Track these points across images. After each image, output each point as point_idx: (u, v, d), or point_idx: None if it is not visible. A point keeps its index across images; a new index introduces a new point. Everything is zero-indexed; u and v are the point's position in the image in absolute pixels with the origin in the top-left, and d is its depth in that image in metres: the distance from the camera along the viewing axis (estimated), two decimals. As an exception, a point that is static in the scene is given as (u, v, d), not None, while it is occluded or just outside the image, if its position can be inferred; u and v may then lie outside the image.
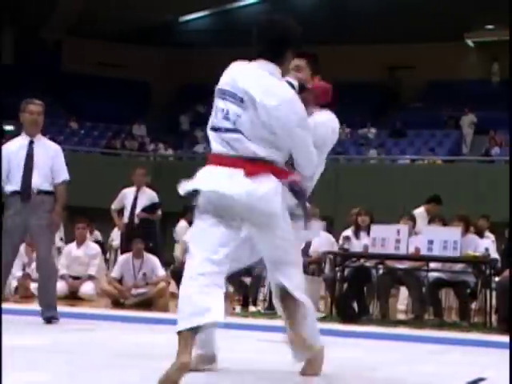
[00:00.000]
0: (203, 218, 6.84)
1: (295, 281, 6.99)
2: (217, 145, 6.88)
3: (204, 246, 6.70)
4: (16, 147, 10.85)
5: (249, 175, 6.69)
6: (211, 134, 6.97)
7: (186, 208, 16.97)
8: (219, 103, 7.02)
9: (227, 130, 6.84)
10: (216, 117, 6.98)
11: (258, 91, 6.70)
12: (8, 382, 5.79)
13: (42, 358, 7.43)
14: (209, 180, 6.74)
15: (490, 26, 39.50)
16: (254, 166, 6.71)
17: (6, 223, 10.53)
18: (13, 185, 10.65)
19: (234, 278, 14.58)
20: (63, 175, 10.90)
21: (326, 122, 8.50)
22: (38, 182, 10.50)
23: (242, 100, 6.92)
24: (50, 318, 10.67)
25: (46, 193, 10.62)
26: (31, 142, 10.62)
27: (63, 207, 11.37)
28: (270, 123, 6.72)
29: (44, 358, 7.47)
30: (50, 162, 10.76)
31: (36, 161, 10.63)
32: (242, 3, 43.98)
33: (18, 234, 10.70)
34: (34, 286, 16.44)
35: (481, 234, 15.68)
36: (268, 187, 6.63)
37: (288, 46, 7.13)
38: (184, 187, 6.71)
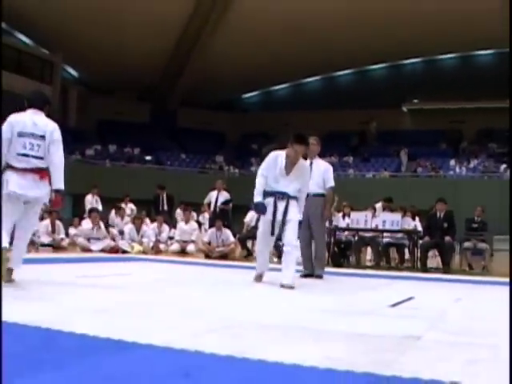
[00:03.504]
0: None
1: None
2: None
3: None
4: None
5: None
6: None
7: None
8: None
9: None
10: None
11: None
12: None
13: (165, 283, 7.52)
14: None
15: (415, 100, 39.49)
16: None
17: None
18: None
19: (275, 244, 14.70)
20: (330, 183, 9.52)
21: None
22: (313, 188, 9.00)
23: None
24: (319, 276, 9.37)
25: (320, 195, 9.34)
26: (311, 163, 9.18)
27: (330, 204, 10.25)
28: None
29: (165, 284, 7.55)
30: (321, 175, 9.41)
31: (312, 175, 9.13)
32: (276, 87, 44.02)
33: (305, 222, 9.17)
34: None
35: (413, 218, 15.76)
36: None
37: None
38: None
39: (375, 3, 30.79)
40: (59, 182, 6.59)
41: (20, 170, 6.43)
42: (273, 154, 7.87)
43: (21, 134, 6.47)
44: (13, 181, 6.40)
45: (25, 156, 6.47)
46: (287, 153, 7.70)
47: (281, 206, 7.55)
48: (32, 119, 6.60)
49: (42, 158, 6.54)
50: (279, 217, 7.56)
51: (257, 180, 7.80)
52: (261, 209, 7.65)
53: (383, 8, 31.05)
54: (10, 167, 6.46)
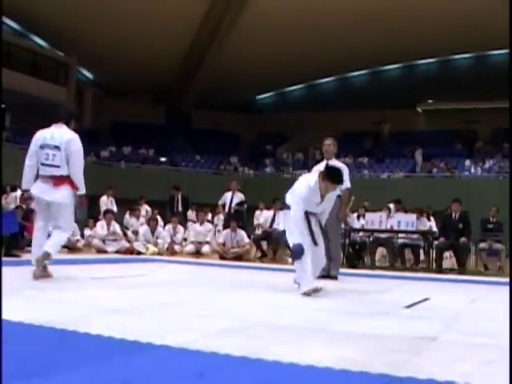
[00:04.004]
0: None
1: None
2: None
3: None
4: (320, 166, 9.85)
5: None
6: None
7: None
8: None
9: None
10: None
11: None
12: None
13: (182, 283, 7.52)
14: None
15: (430, 101, 39.47)
16: None
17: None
18: None
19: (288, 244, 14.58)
20: (346, 184, 9.16)
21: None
22: None
23: None
24: (334, 276, 9.47)
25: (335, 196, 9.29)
26: (327, 164, 9.56)
27: (346, 205, 10.16)
28: None
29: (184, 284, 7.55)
30: None
31: None
32: (290, 88, 44.03)
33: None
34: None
35: (428, 218, 15.72)
36: None
37: None
38: None
39: (389, 3, 30.74)
40: (80, 188, 7.47)
41: (42, 176, 7.39)
42: (312, 185, 6.89)
43: (42, 147, 7.35)
44: (35, 186, 7.42)
45: (42, 165, 7.36)
46: (319, 182, 6.93)
47: (312, 219, 7.06)
48: (52, 132, 7.41)
49: (57, 167, 7.32)
50: (314, 228, 7.02)
51: (295, 214, 6.84)
52: (299, 252, 6.66)
53: (397, 8, 31.01)
54: (38, 175, 7.47)
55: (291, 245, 6.83)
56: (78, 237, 16.07)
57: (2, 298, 4.29)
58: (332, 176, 6.90)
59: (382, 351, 3.64)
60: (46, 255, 7.17)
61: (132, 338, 3.65)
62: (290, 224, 6.90)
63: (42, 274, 7.16)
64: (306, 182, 6.97)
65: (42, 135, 7.43)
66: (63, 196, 7.38)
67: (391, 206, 16.06)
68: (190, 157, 37.78)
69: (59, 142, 7.32)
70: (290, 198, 7.05)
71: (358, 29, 33.29)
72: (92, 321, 4.35)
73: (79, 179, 7.43)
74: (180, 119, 40.86)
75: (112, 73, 37.65)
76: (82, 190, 7.49)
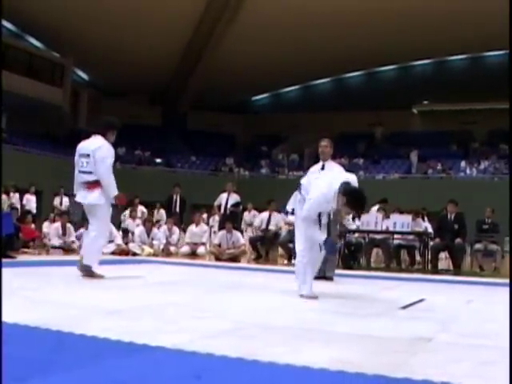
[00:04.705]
0: None
1: None
2: None
3: None
4: (316, 167, 9.84)
5: None
6: None
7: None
8: None
9: None
10: None
11: None
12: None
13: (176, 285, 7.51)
14: None
15: (425, 102, 39.51)
16: None
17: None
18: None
19: (283, 245, 14.58)
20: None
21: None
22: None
23: None
24: (329, 277, 9.43)
25: None
26: (323, 166, 9.58)
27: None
28: None
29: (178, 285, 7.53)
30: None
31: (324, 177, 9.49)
32: (286, 89, 44.02)
33: None
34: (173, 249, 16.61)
35: (423, 219, 15.72)
36: None
37: None
38: None
39: (385, 4, 30.73)
40: (109, 191, 8.03)
41: (80, 183, 8.16)
42: (328, 197, 6.68)
43: (80, 156, 8.19)
44: (78, 193, 8.25)
45: (80, 172, 8.15)
46: (338, 199, 6.54)
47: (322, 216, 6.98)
48: (88, 142, 8.25)
49: (90, 173, 8.04)
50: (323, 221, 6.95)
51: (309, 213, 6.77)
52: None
53: (393, 9, 30.99)
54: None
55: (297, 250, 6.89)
56: (74, 238, 16.02)
57: (1, 299, 4.27)
58: (356, 206, 6.52)
59: (378, 352, 3.64)
60: (87, 268, 7.97)
61: (128, 339, 3.64)
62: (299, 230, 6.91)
63: (93, 275, 7.94)
64: (325, 191, 6.72)
65: (81, 146, 8.26)
66: (94, 198, 8.04)
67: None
68: (185, 158, 37.77)
69: (88, 151, 8.08)
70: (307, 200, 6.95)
71: (353, 30, 33.27)
72: (88, 322, 4.34)
73: (105, 183, 8.01)
74: (176, 120, 40.80)
75: (108, 74, 37.60)
76: (111, 193, 8.02)
